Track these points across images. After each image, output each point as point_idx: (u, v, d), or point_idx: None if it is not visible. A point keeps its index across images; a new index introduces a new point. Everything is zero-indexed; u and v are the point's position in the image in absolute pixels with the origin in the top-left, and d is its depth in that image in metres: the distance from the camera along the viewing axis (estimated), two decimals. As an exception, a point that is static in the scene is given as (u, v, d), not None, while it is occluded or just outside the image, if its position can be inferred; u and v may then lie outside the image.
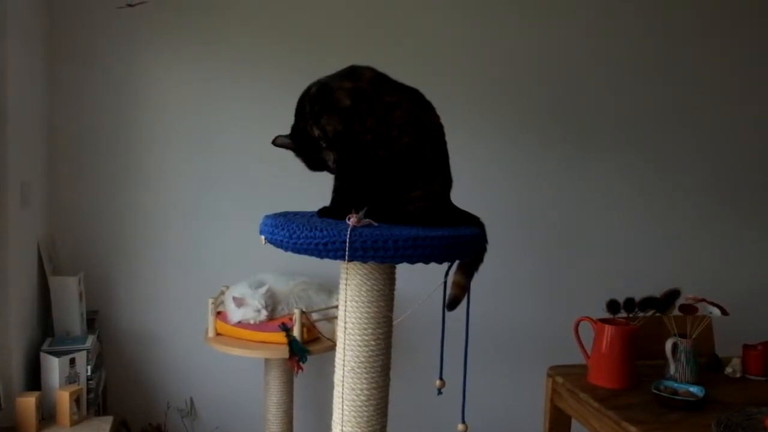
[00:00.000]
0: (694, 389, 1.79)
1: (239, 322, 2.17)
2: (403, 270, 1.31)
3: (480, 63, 2.77)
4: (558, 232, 2.92)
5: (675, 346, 1.93)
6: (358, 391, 1.30)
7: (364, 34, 2.66)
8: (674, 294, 1.96)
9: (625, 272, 2.87)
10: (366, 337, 1.29)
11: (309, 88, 1.34)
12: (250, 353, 2.13)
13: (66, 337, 2.19)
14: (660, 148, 2.98)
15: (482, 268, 1.39)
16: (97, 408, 2.21)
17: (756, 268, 3.12)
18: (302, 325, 2.11)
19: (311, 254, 1.19)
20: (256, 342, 2.14)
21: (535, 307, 2.90)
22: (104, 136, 2.48)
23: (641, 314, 1.97)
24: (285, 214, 1.35)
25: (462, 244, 1.24)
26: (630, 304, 1.95)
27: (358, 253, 1.16)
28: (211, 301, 2.22)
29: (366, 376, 1.30)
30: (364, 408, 1.30)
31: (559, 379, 1.98)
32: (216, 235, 2.58)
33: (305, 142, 1.33)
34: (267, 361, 2.28)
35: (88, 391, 2.09)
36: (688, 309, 2.00)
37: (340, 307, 1.32)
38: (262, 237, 1.29)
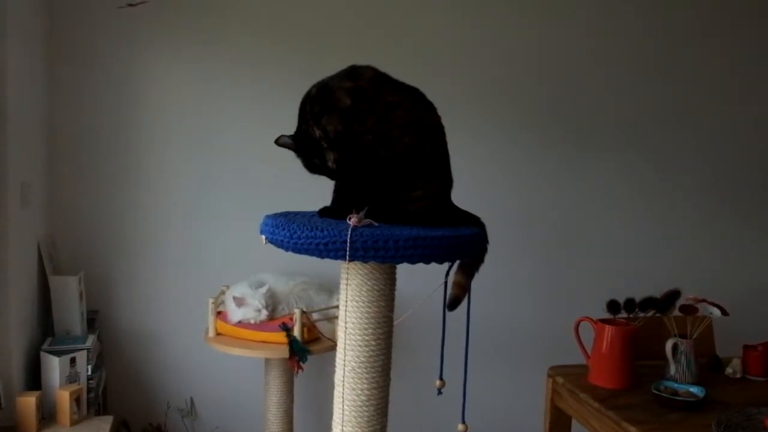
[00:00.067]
0: (694, 390, 1.79)
1: (239, 322, 2.17)
2: (403, 270, 1.31)
3: (480, 63, 2.77)
4: (558, 232, 2.92)
5: (675, 347, 1.93)
6: (359, 391, 1.30)
7: (364, 34, 2.66)
8: (674, 294, 1.96)
9: (625, 272, 2.87)
10: (366, 337, 1.29)
11: (310, 90, 1.34)
12: (250, 353, 2.13)
13: (66, 337, 2.19)
14: (660, 148, 2.98)
15: (482, 268, 1.38)
16: (98, 408, 2.21)
17: (756, 268, 3.12)
18: (302, 325, 2.11)
19: (312, 254, 1.19)
20: (256, 342, 2.14)
21: (535, 307, 2.90)
22: (104, 136, 2.48)
23: (641, 314, 1.97)
24: (285, 214, 1.35)
25: (462, 244, 1.24)
26: (630, 304, 1.95)
27: (359, 253, 1.16)
28: (211, 301, 2.22)
29: (366, 376, 1.30)
30: (364, 408, 1.30)
31: (560, 379, 1.98)
32: (216, 235, 2.58)
33: (307, 144, 1.33)
34: (267, 361, 2.28)
35: (89, 390, 2.09)
36: (689, 309, 2.00)
37: (340, 307, 1.32)
38: (263, 237, 1.29)
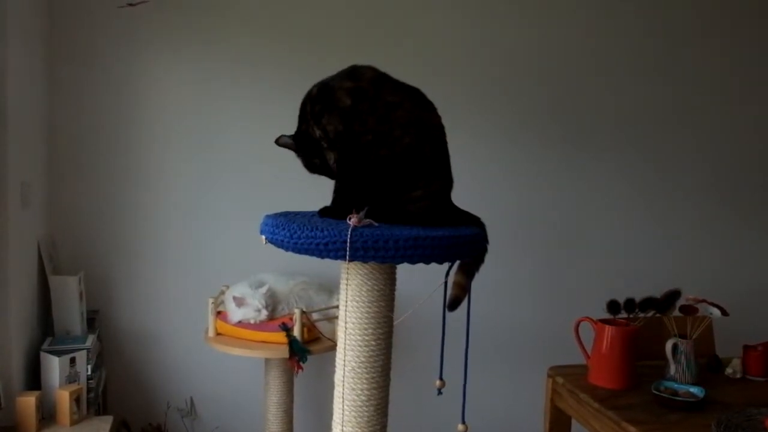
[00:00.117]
0: (694, 390, 1.79)
1: (239, 322, 2.17)
2: (403, 270, 1.31)
3: (480, 63, 2.77)
4: (558, 232, 2.92)
5: (675, 347, 1.93)
6: (359, 391, 1.30)
7: (364, 34, 2.66)
8: (674, 294, 1.96)
9: (625, 272, 2.87)
10: (366, 337, 1.29)
11: (311, 90, 1.34)
12: (250, 353, 2.13)
13: (66, 337, 2.19)
14: (660, 148, 2.98)
15: (482, 268, 1.38)
16: (97, 408, 2.21)
17: (756, 268, 3.13)
18: (302, 325, 2.11)
19: (312, 254, 1.19)
20: (256, 342, 2.14)
21: (535, 307, 2.90)
22: (104, 136, 2.48)
23: (641, 315, 1.97)
24: (286, 214, 1.35)
25: (463, 244, 1.24)
26: (630, 304, 1.95)
27: (359, 253, 1.16)
28: (211, 300, 2.22)
29: (366, 376, 1.30)
30: (364, 408, 1.30)
31: (560, 380, 1.98)
32: (216, 235, 2.58)
33: (307, 144, 1.33)
34: (267, 361, 2.28)
35: (88, 390, 2.09)
36: (689, 309, 2.00)
37: (340, 307, 1.32)
38: (263, 237, 1.29)
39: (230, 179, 2.58)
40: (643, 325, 1.96)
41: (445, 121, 1.34)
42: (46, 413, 2.01)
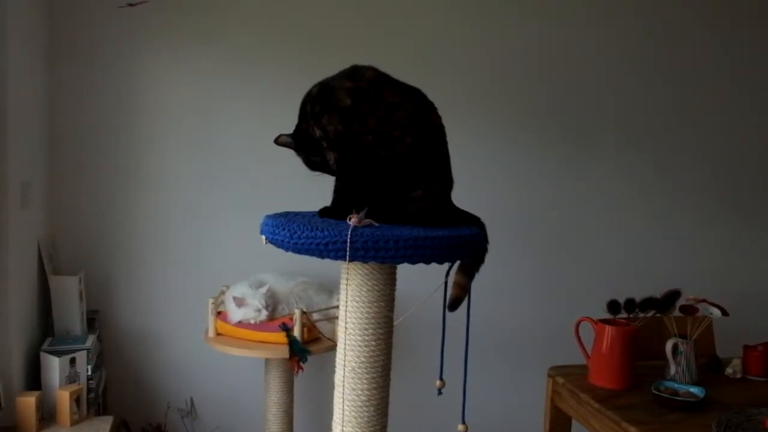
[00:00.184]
0: (694, 390, 1.79)
1: (239, 322, 2.17)
2: (403, 270, 1.31)
3: (480, 63, 2.77)
4: (558, 232, 2.92)
5: (675, 347, 1.93)
6: (359, 392, 1.30)
7: (364, 34, 2.66)
8: (674, 294, 1.96)
9: (625, 272, 2.88)
10: (367, 338, 1.29)
11: (311, 89, 1.34)
12: (250, 353, 2.13)
13: (66, 337, 2.19)
14: (660, 148, 2.98)
15: (482, 268, 1.38)
16: (97, 408, 2.21)
17: (756, 268, 3.13)
18: (303, 325, 2.11)
19: (312, 254, 1.19)
20: (256, 342, 2.14)
21: (535, 307, 2.90)
22: (104, 136, 2.47)
23: (641, 315, 1.97)
24: (286, 214, 1.34)
25: (463, 244, 1.24)
26: (630, 304, 1.95)
27: (359, 254, 1.16)
28: (211, 301, 2.22)
29: (367, 376, 1.29)
30: (364, 408, 1.30)
31: (560, 380, 1.98)
32: (216, 235, 2.58)
33: (307, 143, 1.33)
34: (267, 361, 2.28)
35: (89, 390, 2.09)
36: (689, 310, 2.00)
37: (340, 307, 1.32)
38: (263, 237, 1.29)
39: (230, 179, 2.58)
40: (643, 325, 1.96)
41: (445, 121, 1.34)
42: (46, 413, 2.01)
